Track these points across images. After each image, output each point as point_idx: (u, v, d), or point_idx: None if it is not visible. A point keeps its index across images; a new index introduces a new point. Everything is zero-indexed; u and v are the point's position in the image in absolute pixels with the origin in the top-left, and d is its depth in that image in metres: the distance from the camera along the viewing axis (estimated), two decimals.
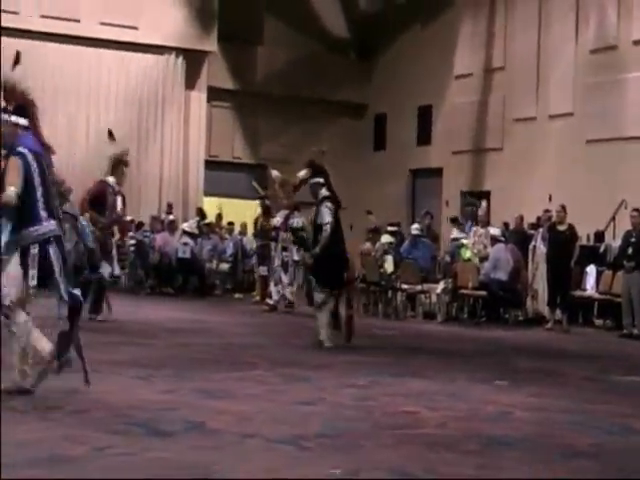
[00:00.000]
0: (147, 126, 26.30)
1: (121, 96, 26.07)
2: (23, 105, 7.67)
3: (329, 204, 12.57)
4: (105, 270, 14.24)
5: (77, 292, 7.82)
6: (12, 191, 7.37)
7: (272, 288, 18.48)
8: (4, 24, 24.34)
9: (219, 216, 25.53)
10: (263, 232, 19.66)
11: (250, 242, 22.81)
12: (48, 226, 7.59)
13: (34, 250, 7.51)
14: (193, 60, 26.90)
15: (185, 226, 23.46)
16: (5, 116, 7.54)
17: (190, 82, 27.06)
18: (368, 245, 20.25)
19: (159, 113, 26.46)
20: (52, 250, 7.59)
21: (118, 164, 14.62)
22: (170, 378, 9.02)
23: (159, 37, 26.01)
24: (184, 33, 26.36)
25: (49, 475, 5.19)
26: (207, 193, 26.97)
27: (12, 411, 6.93)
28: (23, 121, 7.63)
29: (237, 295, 22.19)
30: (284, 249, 18.44)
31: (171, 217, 23.97)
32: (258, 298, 19.88)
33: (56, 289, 7.64)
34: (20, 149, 7.52)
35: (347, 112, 29.92)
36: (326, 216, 12.47)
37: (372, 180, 28.86)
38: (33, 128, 7.72)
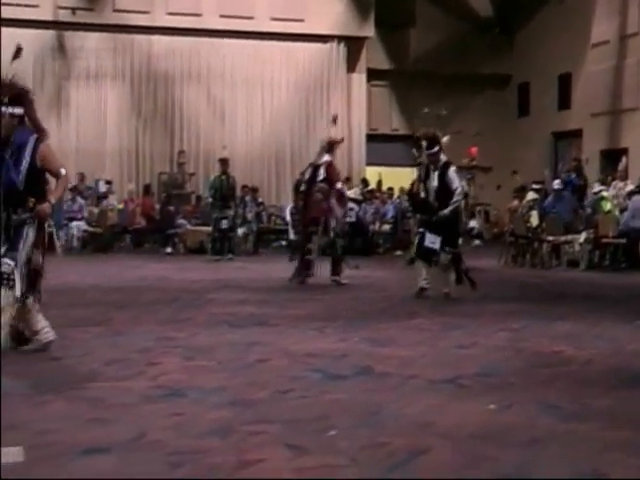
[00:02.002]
0: (314, 107, 26.54)
1: (291, 82, 26.37)
2: (17, 96, 7.32)
3: (455, 168, 12.37)
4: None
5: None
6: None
7: None
8: (189, 25, 24.90)
9: (379, 183, 25.56)
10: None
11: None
12: None
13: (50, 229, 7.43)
14: (353, 46, 26.97)
15: (351, 193, 23.55)
16: (3, 108, 7.20)
17: (351, 65, 27.16)
18: (515, 202, 20.03)
19: (324, 95, 26.66)
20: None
21: (333, 145, 14.67)
22: (341, 329, 9.08)
23: (323, 27, 26.15)
24: (345, 22, 26.41)
25: (232, 416, 5.31)
26: (369, 163, 27.08)
27: (200, 362, 7.11)
28: (19, 110, 7.27)
29: (397, 252, 22.17)
30: None
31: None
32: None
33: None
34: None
35: (493, 83, 29.64)
36: (456, 180, 12.25)
37: (517, 143, 28.61)
38: (28, 116, 7.38)
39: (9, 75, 7.33)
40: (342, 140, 15.50)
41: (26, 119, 7.37)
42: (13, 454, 4.42)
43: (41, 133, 7.38)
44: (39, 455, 4.44)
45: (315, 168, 14.10)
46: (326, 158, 14.13)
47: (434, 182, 12.09)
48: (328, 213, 14.04)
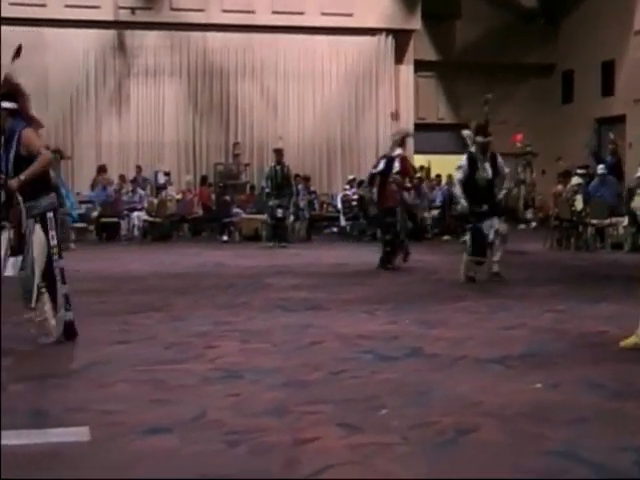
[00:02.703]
0: (363, 98, 26.49)
1: (340, 74, 26.34)
2: (10, 91, 7.33)
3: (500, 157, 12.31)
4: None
5: None
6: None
7: None
8: (243, 22, 24.97)
9: (428, 170, 25.46)
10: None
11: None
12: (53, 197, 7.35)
13: (50, 214, 7.24)
14: (401, 38, 26.86)
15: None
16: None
17: (399, 57, 27.05)
18: (559, 187, 19.82)
19: (373, 86, 26.59)
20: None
21: (404, 138, 14.73)
22: (392, 311, 9.07)
23: (371, 21, 26.08)
24: (392, 15, 26.30)
25: (287, 397, 5.32)
26: (417, 151, 26.94)
27: (256, 344, 7.14)
28: (9, 104, 7.24)
29: (445, 237, 22.08)
30: None
31: None
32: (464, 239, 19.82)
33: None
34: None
35: (536, 72, 29.38)
36: (505, 166, 12.27)
37: (561, 130, 28.36)
38: (21, 109, 7.31)
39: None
40: (412, 133, 15.53)
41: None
42: (80, 434, 4.48)
43: (30, 123, 7.36)
44: (104, 435, 4.49)
45: (389, 160, 14.14)
46: (399, 151, 14.21)
47: (487, 171, 11.98)
48: (401, 203, 14.14)
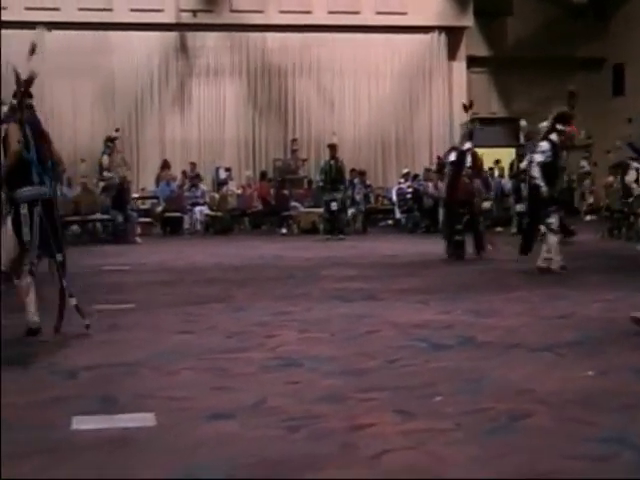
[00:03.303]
0: (417, 95, 26.40)
1: (395, 71, 26.26)
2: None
3: None
4: None
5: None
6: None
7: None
8: (300, 22, 24.99)
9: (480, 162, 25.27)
10: (517, 174, 19.45)
11: (507, 183, 22.56)
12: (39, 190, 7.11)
13: (23, 210, 7.01)
14: (453, 35, 26.71)
15: None
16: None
17: (451, 54, 26.90)
18: (610, 178, 19.60)
19: (426, 83, 26.48)
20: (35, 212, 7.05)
21: (472, 131, 14.72)
22: (445, 301, 9.03)
23: (424, 19, 25.97)
24: (445, 13, 26.15)
25: (344, 384, 5.33)
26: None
27: (314, 334, 7.16)
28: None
29: (498, 229, 21.91)
30: None
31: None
32: (515, 230, 19.67)
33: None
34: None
35: (587, 66, 28.96)
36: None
37: (612, 122, 27.93)
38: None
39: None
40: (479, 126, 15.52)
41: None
42: (146, 419, 4.54)
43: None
44: (170, 420, 4.54)
45: (460, 153, 14.15)
46: (468, 145, 14.19)
47: (563, 160, 11.94)
48: (473, 195, 14.24)
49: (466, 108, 15.34)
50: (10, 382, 5.49)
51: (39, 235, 7.07)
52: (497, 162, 24.41)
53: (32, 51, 7.72)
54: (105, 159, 20.49)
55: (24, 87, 7.48)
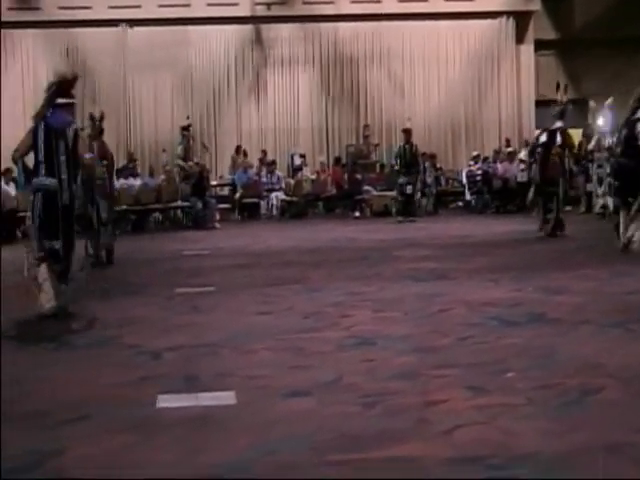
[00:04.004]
0: (485, 79, 26.08)
1: (464, 57, 25.97)
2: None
3: None
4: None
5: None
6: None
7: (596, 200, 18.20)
8: (371, 11, 24.88)
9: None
10: (585, 155, 19.19)
11: (574, 164, 22.22)
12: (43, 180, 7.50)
13: (30, 197, 7.63)
14: (521, 19, 26.28)
15: (522, 155, 23.13)
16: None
17: (519, 38, 26.49)
18: None
19: (494, 67, 26.14)
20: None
21: (564, 111, 14.55)
22: (515, 279, 8.92)
23: (492, 4, 25.61)
24: None
25: (418, 361, 5.30)
26: (538, 127, 26.39)
27: (387, 313, 7.14)
28: (64, 100, 7.67)
29: (567, 208, 21.58)
30: (599, 166, 18.14)
31: (509, 149, 23.72)
32: (583, 210, 19.48)
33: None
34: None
35: None
36: None
37: None
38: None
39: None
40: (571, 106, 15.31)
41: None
42: (227, 397, 4.57)
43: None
44: (249, 398, 4.57)
45: (551, 133, 14.01)
46: (559, 124, 14.04)
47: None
48: (561, 174, 14.17)
49: (558, 87, 15.13)
50: (100, 362, 5.59)
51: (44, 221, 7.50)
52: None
53: (66, 54, 8.11)
54: (179, 149, 20.63)
55: (65, 87, 7.76)
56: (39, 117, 7.58)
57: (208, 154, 22.37)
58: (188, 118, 21.90)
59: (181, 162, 20.14)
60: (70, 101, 7.79)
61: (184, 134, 20.66)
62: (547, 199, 13.94)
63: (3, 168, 20.33)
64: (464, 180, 22.88)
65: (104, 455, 3.75)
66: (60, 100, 7.63)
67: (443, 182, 23.88)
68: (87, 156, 7.89)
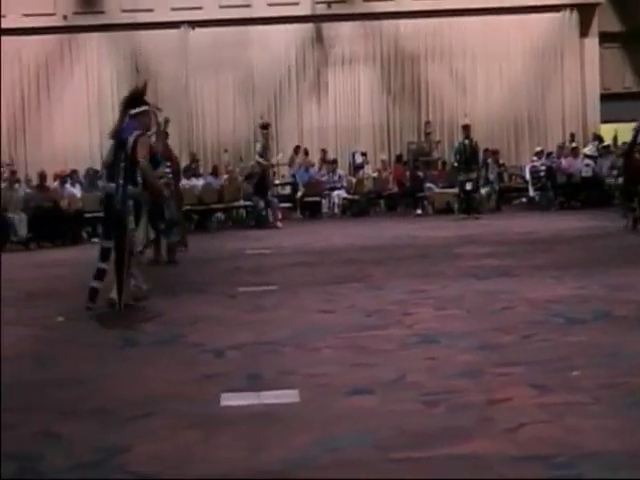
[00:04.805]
0: (548, 72, 25.77)
1: (526, 51, 25.68)
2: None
3: None
4: None
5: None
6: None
7: None
8: (431, 8, 24.75)
9: (615, 139, 24.53)
10: None
11: None
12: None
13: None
14: (585, 12, 25.91)
15: (586, 150, 22.82)
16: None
17: (583, 31, 26.12)
18: None
19: (558, 60, 25.80)
20: None
21: None
22: (579, 276, 8.78)
23: None
24: None
25: (481, 359, 5.26)
26: (603, 120, 26.01)
27: (450, 310, 7.08)
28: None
29: (633, 205, 21.20)
30: None
31: (573, 144, 23.40)
32: None
33: None
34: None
35: None
36: None
37: None
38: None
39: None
40: None
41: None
42: (290, 395, 4.59)
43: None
44: (312, 395, 4.58)
45: (637, 131, 13.89)
46: None
47: None
48: None
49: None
50: (166, 360, 5.66)
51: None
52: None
53: (137, 68, 8.49)
54: (259, 146, 20.60)
55: (138, 96, 8.22)
56: (114, 133, 8.08)
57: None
58: (262, 118, 21.96)
59: (260, 159, 20.15)
60: (142, 109, 8.13)
61: (263, 132, 20.58)
62: (629, 198, 13.87)
63: (69, 170, 20.71)
64: (527, 176, 22.65)
65: (169, 452, 3.79)
66: (132, 111, 8.01)
67: (506, 178, 23.67)
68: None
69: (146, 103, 8.27)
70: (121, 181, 7.85)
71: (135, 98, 8.15)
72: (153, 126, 8.42)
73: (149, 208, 9.47)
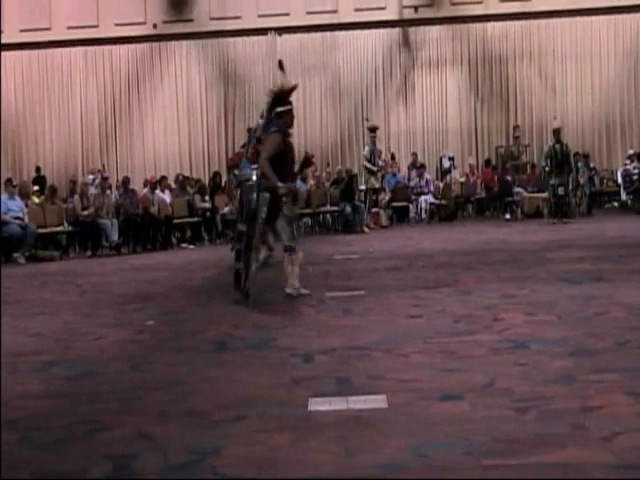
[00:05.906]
0: None
1: (619, 52, 25.27)
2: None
3: None
4: None
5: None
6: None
7: None
8: (520, 10, 24.49)
9: None
10: None
11: None
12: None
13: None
14: None
15: None
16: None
17: None
18: None
19: None
20: None
21: None
22: None
23: None
24: None
25: (574, 366, 5.17)
26: None
27: (541, 316, 6.97)
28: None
29: None
30: None
31: None
32: None
33: None
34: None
35: None
36: None
37: None
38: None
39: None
40: None
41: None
42: (378, 401, 4.58)
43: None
44: (401, 401, 4.56)
45: None
46: None
47: None
48: None
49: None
50: (255, 364, 5.70)
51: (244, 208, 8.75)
52: None
53: (281, 67, 8.78)
54: (366, 150, 20.63)
55: (283, 97, 8.52)
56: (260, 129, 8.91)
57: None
58: (367, 120, 21.98)
59: (367, 164, 20.19)
60: (287, 108, 8.50)
61: (371, 136, 20.59)
62: None
63: (159, 176, 21.08)
64: (619, 179, 22.24)
65: (258, 455, 3.82)
66: (278, 109, 8.43)
67: (597, 182, 23.26)
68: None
69: (290, 102, 8.57)
70: (258, 171, 8.36)
71: (282, 97, 8.47)
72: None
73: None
